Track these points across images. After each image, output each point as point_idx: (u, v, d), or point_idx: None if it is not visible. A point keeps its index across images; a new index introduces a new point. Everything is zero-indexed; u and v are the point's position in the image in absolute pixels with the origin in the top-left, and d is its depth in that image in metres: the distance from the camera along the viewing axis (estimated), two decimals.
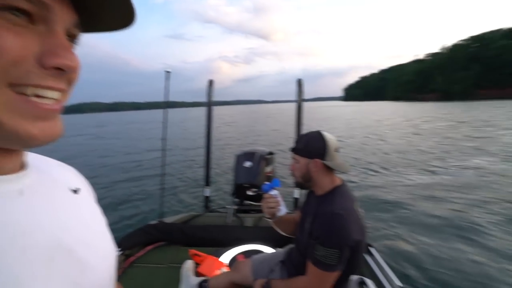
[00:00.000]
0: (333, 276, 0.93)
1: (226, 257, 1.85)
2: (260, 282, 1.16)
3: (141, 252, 1.98)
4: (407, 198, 5.10)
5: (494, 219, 4.08)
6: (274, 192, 1.17)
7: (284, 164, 7.64)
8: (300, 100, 2.53)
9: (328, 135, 1.06)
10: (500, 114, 24.46)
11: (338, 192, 1.03)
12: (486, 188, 5.46)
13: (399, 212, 4.40)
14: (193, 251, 1.87)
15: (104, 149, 13.41)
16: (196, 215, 2.39)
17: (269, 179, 2.54)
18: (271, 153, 2.68)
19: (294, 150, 1.10)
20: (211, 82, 2.58)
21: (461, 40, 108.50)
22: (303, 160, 1.06)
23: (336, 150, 1.06)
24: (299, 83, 2.54)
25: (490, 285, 2.59)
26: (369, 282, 1.40)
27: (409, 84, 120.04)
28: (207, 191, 2.66)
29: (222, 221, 2.31)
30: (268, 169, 2.54)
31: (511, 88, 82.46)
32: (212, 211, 2.56)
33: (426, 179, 6.41)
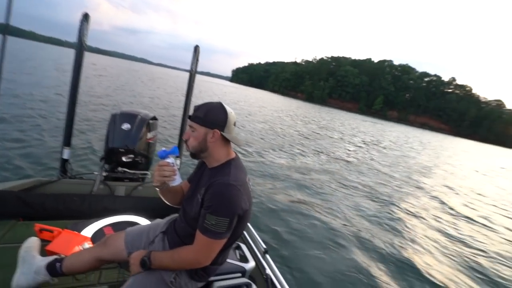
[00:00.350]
0: (221, 243, 0.98)
1: (89, 231, 1.58)
2: (138, 254, 1.06)
3: None
4: (272, 174, 6.10)
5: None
6: (171, 160, 1.08)
7: (163, 133, 7.24)
8: (194, 68, 2.41)
9: (228, 108, 1.06)
10: (335, 120, 33.00)
11: (233, 164, 1.05)
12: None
13: (265, 185, 5.20)
14: (40, 225, 1.48)
15: None
16: (47, 182, 1.89)
17: (149, 146, 2.33)
18: (154, 118, 2.41)
19: (193, 118, 1.03)
20: (86, 17, 2.00)
21: (326, 57, 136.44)
22: (201, 129, 1.02)
23: (234, 124, 1.08)
24: (196, 50, 2.40)
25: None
26: (243, 246, 1.60)
27: (286, 81, 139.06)
28: (67, 153, 2.13)
29: (85, 190, 1.94)
30: (149, 135, 2.29)
31: (347, 103, 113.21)
32: (72, 177, 2.08)
33: (286, 160, 7.82)
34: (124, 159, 2.11)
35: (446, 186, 9.51)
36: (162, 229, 1.22)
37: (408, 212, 5.71)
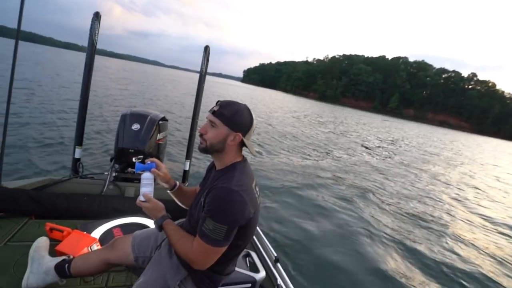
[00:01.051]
0: (218, 251, 0.92)
1: (98, 232, 1.57)
2: (158, 208, 1.01)
3: None
4: (289, 179, 5.98)
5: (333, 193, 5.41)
6: (146, 176, 1.04)
7: (173, 134, 7.30)
8: (205, 69, 2.37)
9: (252, 114, 1.02)
10: (349, 118, 32.28)
11: (238, 168, 0.98)
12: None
13: (279, 192, 5.09)
14: (51, 225, 1.49)
15: None
16: (58, 181, 1.90)
17: (159, 147, 2.31)
18: (164, 119, 2.39)
19: (218, 114, 0.95)
20: (97, 16, 1.99)
21: (338, 55, 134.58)
22: (223, 128, 0.95)
23: (253, 131, 1.03)
24: (206, 50, 2.36)
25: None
26: (253, 254, 1.55)
27: (298, 80, 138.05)
28: (78, 152, 2.14)
29: (95, 190, 1.94)
30: (159, 136, 2.27)
31: (361, 101, 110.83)
32: (83, 177, 2.10)
33: (305, 162, 7.70)
34: (133, 159, 2.10)
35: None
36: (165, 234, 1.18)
37: (443, 223, 5.32)
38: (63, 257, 1.21)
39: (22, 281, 1.13)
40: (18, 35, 1.61)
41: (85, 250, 1.35)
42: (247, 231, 0.96)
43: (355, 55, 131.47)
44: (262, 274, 1.41)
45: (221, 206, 0.88)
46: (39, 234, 1.40)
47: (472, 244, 4.48)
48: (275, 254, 1.65)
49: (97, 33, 2.00)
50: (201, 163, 5.45)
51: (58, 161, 4.23)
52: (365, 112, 76.25)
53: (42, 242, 1.28)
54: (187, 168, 2.52)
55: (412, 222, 4.90)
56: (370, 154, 11.63)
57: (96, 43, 2.02)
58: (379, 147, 14.42)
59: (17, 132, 5.10)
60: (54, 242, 1.38)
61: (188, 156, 2.51)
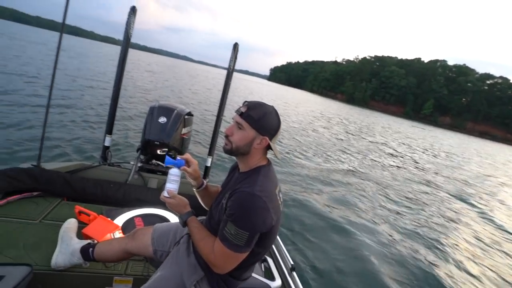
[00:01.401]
0: (239, 257, 0.90)
1: (121, 219, 1.63)
2: (183, 204, 1.03)
3: (0, 202, 1.52)
4: (310, 184, 5.86)
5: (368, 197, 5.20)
6: (174, 172, 1.04)
7: (198, 130, 7.45)
8: (233, 66, 2.37)
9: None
10: (376, 124, 30.97)
11: (263, 172, 0.96)
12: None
13: (299, 197, 4.99)
14: (80, 208, 1.58)
15: None
16: (89, 166, 2.01)
17: (183, 141, 2.35)
18: (190, 114, 2.43)
19: (245, 116, 0.92)
20: (133, 10, 2.05)
21: (369, 56, 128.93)
22: (250, 131, 0.93)
23: (280, 134, 1.01)
24: (235, 47, 2.36)
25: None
26: (269, 260, 1.53)
27: (325, 81, 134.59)
28: (108, 140, 2.25)
29: (121, 178, 2.02)
30: (184, 130, 2.31)
31: (391, 106, 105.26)
32: (111, 164, 2.20)
33: (327, 166, 7.52)
34: (158, 151, 2.17)
35: None
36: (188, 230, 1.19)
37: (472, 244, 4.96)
38: (88, 241, 1.28)
39: (51, 258, 1.20)
40: (63, 28, 1.72)
41: (108, 236, 1.41)
42: (268, 238, 0.94)
43: (388, 56, 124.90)
44: (277, 282, 1.39)
45: (243, 211, 0.86)
46: (69, 216, 1.50)
47: None
48: (292, 262, 1.61)
49: (132, 27, 2.08)
50: (223, 160, 5.52)
51: (90, 147, 4.51)
52: (395, 117, 72.46)
53: (71, 224, 1.37)
54: (208, 164, 2.55)
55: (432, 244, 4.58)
56: (401, 163, 11.08)
57: (131, 36, 2.10)
58: (414, 156, 13.68)
59: (56, 118, 5.50)
60: (81, 225, 1.47)
61: (211, 153, 2.53)
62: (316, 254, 3.23)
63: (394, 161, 10.87)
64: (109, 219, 1.55)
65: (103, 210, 1.71)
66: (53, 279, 1.19)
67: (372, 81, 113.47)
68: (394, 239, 4.11)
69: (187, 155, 1.10)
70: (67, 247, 1.23)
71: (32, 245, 1.31)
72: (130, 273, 1.32)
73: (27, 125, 4.66)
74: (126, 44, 2.10)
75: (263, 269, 1.47)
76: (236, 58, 2.38)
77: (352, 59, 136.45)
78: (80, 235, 1.38)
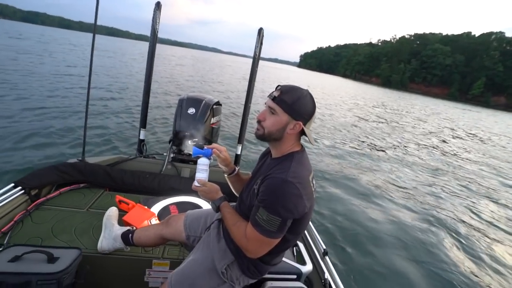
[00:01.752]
0: (271, 242, 0.89)
1: (157, 207, 1.72)
2: (214, 190, 1.04)
3: (54, 193, 1.70)
4: (344, 170, 5.69)
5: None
6: (202, 161, 1.04)
7: (228, 119, 7.57)
8: (258, 52, 2.31)
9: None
10: (417, 109, 28.57)
11: (296, 158, 0.93)
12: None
13: (333, 182, 4.89)
14: (120, 197, 1.70)
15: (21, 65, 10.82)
16: (126, 159, 2.14)
17: (212, 131, 2.39)
18: (218, 103, 2.45)
19: (278, 100, 0.89)
20: (158, 5, 2.09)
21: (408, 35, 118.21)
22: (284, 116, 0.90)
23: (314, 119, 0.96)
24: (260, 32, 2.30)
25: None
26: (301, 245, 1.50)
27: (359, 65, 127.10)
28: (143, 134, 2.38)
29: (156, 169, 2.12)
30: (213, 120, 2.35)
31: (433, 87, 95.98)
32: (146, 156, 2.32)
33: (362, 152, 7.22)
34: (189, 142, 2.23)
35: None
36: (219, 216, 1.19)
37: None
38: (128, 228, 1.36)
39: (97, 243, 1.31)
40: (95, 28, 1.81)
41: (146, 223, 1.50)
42: (300, 225, 0.92)
43: (430, 33, 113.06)
44: (309, 267, 1.36)
45: (275, 197, 0.84)
46: (111, 204, 1.62)
47: None
48: (324, 247, 1.58)
49: (158, 22, 2.12)
50: (253, 148, 5.54)
51: (126, 141, 4.85)
52: (439, 100, 66.07)
53: (113, 212, 1.47)
54: (238, 152, 2.57)
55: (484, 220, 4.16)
56: (443, 150, 10.19)
57: (157, 31, 2.14)
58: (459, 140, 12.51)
59: (96, 115, 5.96)
60: (121, 213, 1.58)
61: (240, 141, 2.54)
62: (349, 240, 3.16)
63: (436, 147, 10.01)
64: (146, 207, 1.64)
65: (141, 199, 1.81)
66: (99, 261, 1.30)
67: (411, 62, 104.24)
68: (434, 226, 3.83)
69: (213, 144, 1.10)
70: (110, 233, 1.33)
71: (81, 231, 1.44)
72: (167, 256, 1.39)
73: (72, 124, 5.12)
74: (154, 39, 2.15)
75: (295, 254, 1.45)
76: (261, 43, 2.32)
77: (389, 39, 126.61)
78: (121, 222, 1.49)
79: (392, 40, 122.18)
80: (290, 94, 0.89)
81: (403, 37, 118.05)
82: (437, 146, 10.38)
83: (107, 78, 11.33)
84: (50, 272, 1.01)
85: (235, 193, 1.22)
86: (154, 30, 2.13)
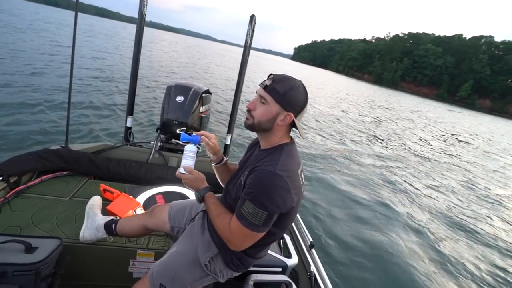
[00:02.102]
0: (256, 236, 0.88)
1: (143, 197, 1.69)
2: (200, 179, 1.00)
3: (35, 181, 1.63)
4: (331, 164, 5.77)
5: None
6: (190, 148, 1.01)
7: (217, 108, 7.47)
8: (250, 40, 2.24)
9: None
10: (406, 108, 29.13)
11: (285, 150, 0.90)
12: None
13: (320, 175, 4.96)
14: (104, 186, 1.65)
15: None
16: (112, 147, 2.07)
17: (201, 120, 2.34)
18: (208, 92, 2.38)
19: (270, 89, 0.86)
20: None
21: (402, 33, 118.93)
22: (274, 106, 0.86)
23: (306, 111, 0.94)
24: (252, 20, 2.23)
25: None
26: (287, 237, 1.51)
27: (352, 61, 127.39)
28: (129, 121, 2.30)
29: (142, 157, 2.07)
30: (202, 109, 2.29)
31: (423, 87, 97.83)
32: (132, 144, 2.26)
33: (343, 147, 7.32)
34: (177, 131, 2.18)
35: None
36: (204, 207, 1.18)
37: None
38: (112, 217, 1.33)
39: (79, 233, 1.28)
40: (77, 7, 1.71)
41: (130, 212, 1.46)
42: (287, 219, 0.91)
43: (423, 33, 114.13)
44: (294, 260, 1.37)
45: (263, 190, 0.82)
46: (95, 193, 1.58)
47: None
48: (311, 240, 1.59)
49: (146, 4, 2.02)
50: (243, 138, 5.51)
51: (111, 128, 4.71)
52: (428, 100, 67.55)
53: (96, 201, 1.42)
54: (228, 143, 2.54)
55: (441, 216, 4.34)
56: (430, 148, 10.48)
57: (145, 14, 2.05)
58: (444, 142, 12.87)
59: (79, 100, 5.72)
60: (105, 202, 1.53)
61: (230, 131, 2.51)
62: (337, 232, 3.23)
63: (423, 145, 10.29)
64: (131, 196, 1.60)
65: (126, 188, 1.77)
66: (81, 252, 1.27)
67: (403, 61, 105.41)
68: (417, 220, 3.98)
69: (202, 132, 1.07)
70: (92, 222, 1.29)
71: (63, 220, 1.40)
72: (151, 247, 1.37)
73: (54, 109, 4.90)
74: (141, 22, 2.04)
75: (281, 246, 1.46)
76: (253, 31, 2.25)
77: (382, 36, 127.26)
78: (105, 211, 1.45)
79: (386, 38, 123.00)
80: (282, 84, 0.86)
81: (397, 35, 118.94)
82: (410, 143, 10.66)
83: (93, 61, 10.92)
84: (27, 262, 0.98)
85: (221, 183, 1.20)
86: (141, 13, 2.02)
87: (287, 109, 0.87)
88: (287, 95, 0.85)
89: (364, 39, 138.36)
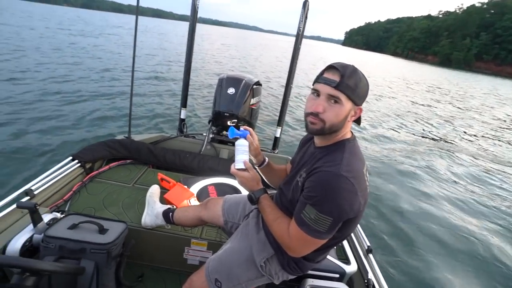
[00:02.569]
0: (318, 243, 0.79)
1: (196, 187, 1.74)
2: (254, 178, 0.92)
3: (105, 168, 1.83)
4: (392, 160, 5.26)
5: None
6: (242, 142, 0.96)
7: (267, 100, 7.42)
8: (302, 28, 2.11)
9: None
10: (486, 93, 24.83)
11: (348, 147, 0.80)
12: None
13: (380, 172, 4.55)
14: (161, 175, 1.76)
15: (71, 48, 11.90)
16: (168, 137, 2.20)
17: (252, 112, 2.31)
18: (258, 83, 2.34)
19: (344, 86, 0.74)
20: None
21: (480, 3, 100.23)
22: (348, 104, 0.76)
23: None
24: (305, 6, 2.08)
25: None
26: (344, 241, 1.40)
27: (413, 41, 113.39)
28: (183, 113, 2.41)
29: (195, 148, 2.14)
30: (253, 101, 2.26)
31: (507, 66, 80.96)
32: (186, 136, 2.36)
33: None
34: (228, 123, 2.20)
35: None
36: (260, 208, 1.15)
37: None
38: (169, 206, 1.40)
39: (141, 218, 1.38)
40: (138, 9, 1.82)
41: (185, 202, 1.52)
42: (352, 224, 0.81)
43: None
44: (353, 267, 1.28)
45: (327, 194, 0.72)
46: (154, 181, 1.69)
47: None
48: (368, 244, 1.46)
49: (198, 1, 2.05)
50: (291, 131, 5.38)
51: (168, 120, 5.09)
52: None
53: (155, 189, 1.51)
54: (278, 135, 2.48)
55: None
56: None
57: (198, 8, 2.08)
58: None
59: (140, 96, 6.31)
60: (163, 190, 1.63)
61: (280, 123, 2.45)
62: (397, 237, 2.92)
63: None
64: (186, 186, 1.67)
65: (181, 178, 1.86)
66: (143, 235, 1.37)
67: (480, 36, 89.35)
68: (492, 227, 3.36)
69: (248, 128, 1.02)
70: (152, 210, 1.38)
71: (127, 205, 1.53)
72: (205, 237, 1.41)
73: (120, 107, 5.51)
74: (194, 17, 2.10)
75: (335, 249, 1.37)
76: (306, 17, 2.10)
77: (452, 10, 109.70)
78: (162, 199, 1.54)
79: (458, 11, 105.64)
80: (353, 78, 0.75)
81: (473, 5, 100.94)
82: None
83: (152, 59, 11.89)
84: (101, 242, 1.09)
85: (269, 183, 1.14)
86: (194, 7, 2.07)
87: (358, 103, 0.79)
88: (358, 89, 0.77)
89: (429, 15, 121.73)
